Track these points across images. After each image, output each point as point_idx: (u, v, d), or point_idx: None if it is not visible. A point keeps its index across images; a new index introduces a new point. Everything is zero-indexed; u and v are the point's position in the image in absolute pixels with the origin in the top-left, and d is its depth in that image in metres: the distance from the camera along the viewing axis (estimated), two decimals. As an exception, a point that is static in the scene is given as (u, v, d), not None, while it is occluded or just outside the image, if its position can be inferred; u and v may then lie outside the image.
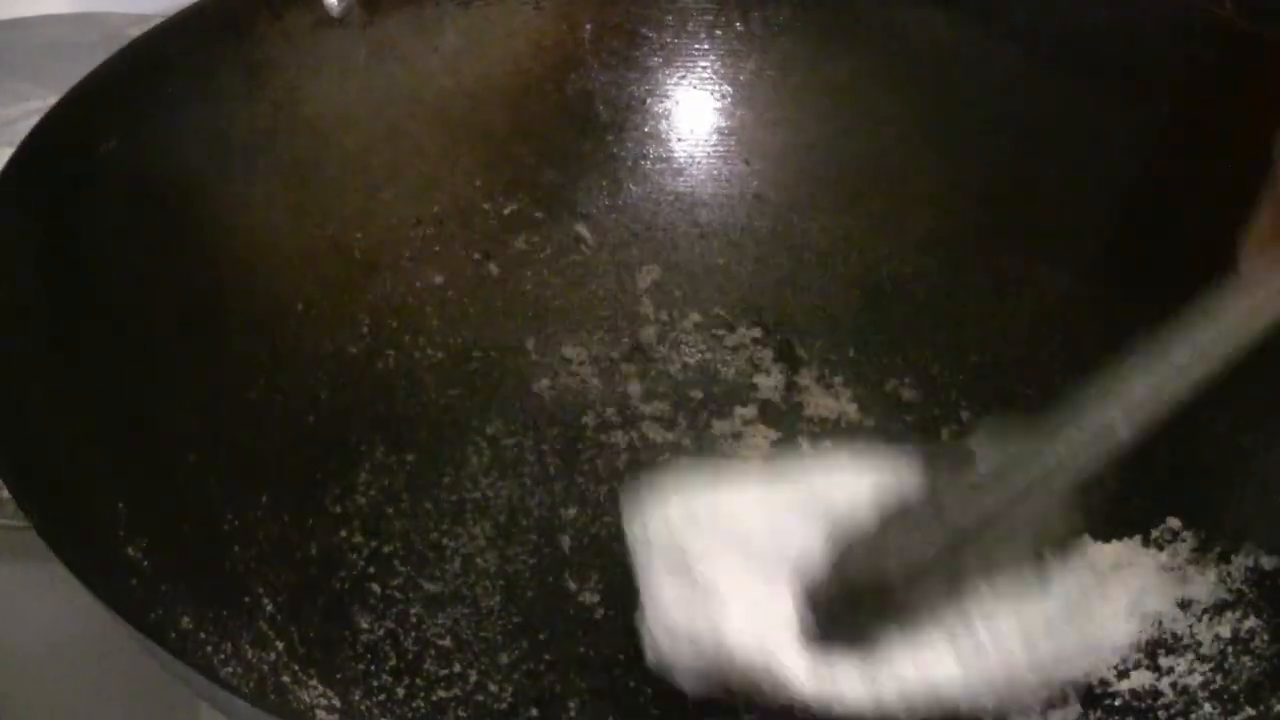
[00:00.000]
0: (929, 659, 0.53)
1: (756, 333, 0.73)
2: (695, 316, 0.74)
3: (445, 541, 0.66)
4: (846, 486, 0.56)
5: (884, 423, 0.71)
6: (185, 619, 0.55)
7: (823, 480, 0.57)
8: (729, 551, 0.55)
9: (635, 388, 0.73)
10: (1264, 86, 0.58)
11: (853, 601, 0.53)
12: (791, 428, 0.71)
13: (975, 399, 0.69)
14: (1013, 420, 0.53)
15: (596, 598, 0.65)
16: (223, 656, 0.56)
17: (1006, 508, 0.52)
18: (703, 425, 0.72)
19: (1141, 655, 0.60)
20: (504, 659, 0.62)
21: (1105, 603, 0.59)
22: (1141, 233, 0.66)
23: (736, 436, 0.71)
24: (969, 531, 0.52)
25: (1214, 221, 0.63)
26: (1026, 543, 0.53)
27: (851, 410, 0.71)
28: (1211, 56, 0.65)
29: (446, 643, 0.62)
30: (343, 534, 0.65)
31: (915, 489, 0.54)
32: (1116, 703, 0.59)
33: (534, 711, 0.60)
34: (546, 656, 0.62)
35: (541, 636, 0.63)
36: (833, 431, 0.71)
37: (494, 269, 0.72)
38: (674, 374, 0.73)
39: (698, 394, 0.72)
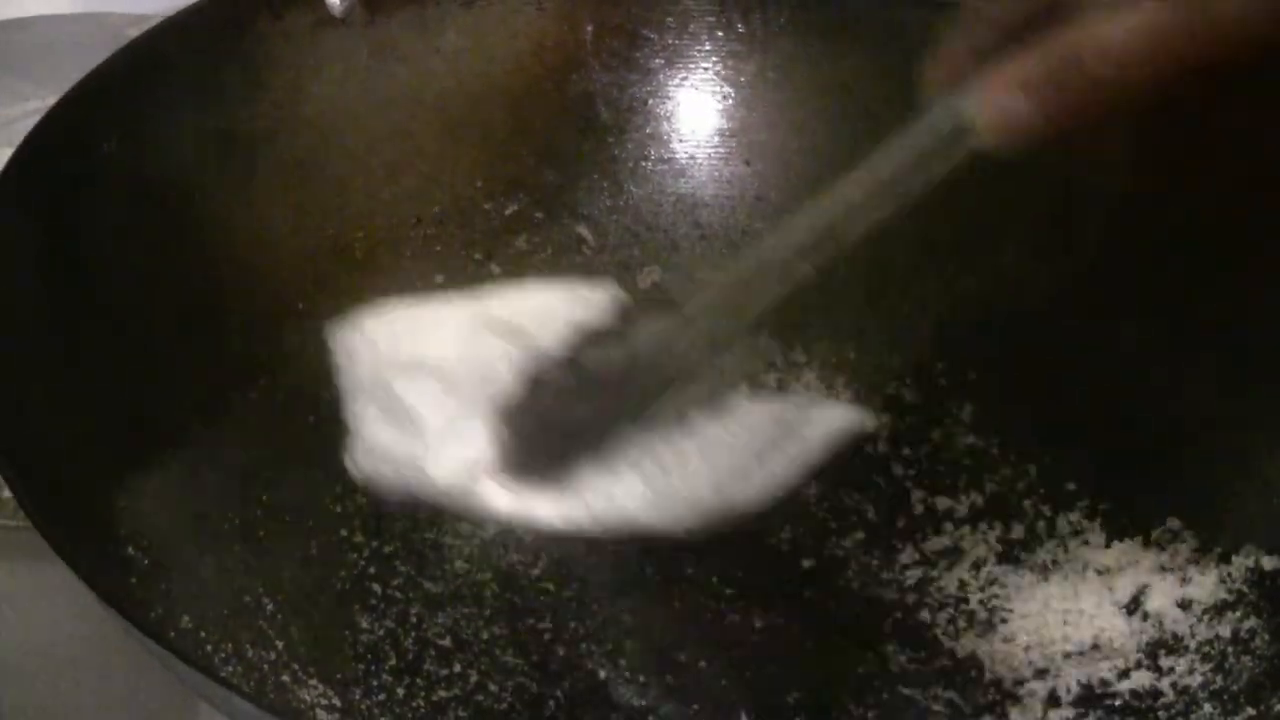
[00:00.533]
0: (620, 485, 0.54)
1: (756, 334, 0.73)
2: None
3: (446, 541, 0.66)
4: (545, 313, 0.56)
5: (885, 424, 0.71)
6: (185, 618, 0.55)
7: (522, 306, 0.57)
8: (429, 376, 0.55)
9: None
10: (1264, 86, 0.58)
11: (545, 429, 0.54)
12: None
13: (977, 400, 0.69)
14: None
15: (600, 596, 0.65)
16: (223, 656, 0.56)
17: (697, 339, 0.54)
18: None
19: (1142, 655, 0.60)
20: (504, 659, 0.62)
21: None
22: (1141, 231, 0.66)
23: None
24: (659, 362, 0.54)
25: (1214, 221, 0.63)
26: (716, 377, 0.55)
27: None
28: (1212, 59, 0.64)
29: (446, 643, 0.62)
30: (343, 533, 0.65)
31: (612, 318, 0.55)
32: (1117, 703, 0.59)
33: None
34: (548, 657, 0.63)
35: (546, 637, 0.63)
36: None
37: (495, 269, 0.72)
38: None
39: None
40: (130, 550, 0.55)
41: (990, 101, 0.52)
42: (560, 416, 0.54)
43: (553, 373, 0.54)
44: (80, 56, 0.65)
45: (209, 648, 0.55)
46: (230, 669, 0.55)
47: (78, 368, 0.58)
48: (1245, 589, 0.60)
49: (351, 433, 0.56)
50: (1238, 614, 0.60)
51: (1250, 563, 0.61)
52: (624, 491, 0.54)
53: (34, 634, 0.63)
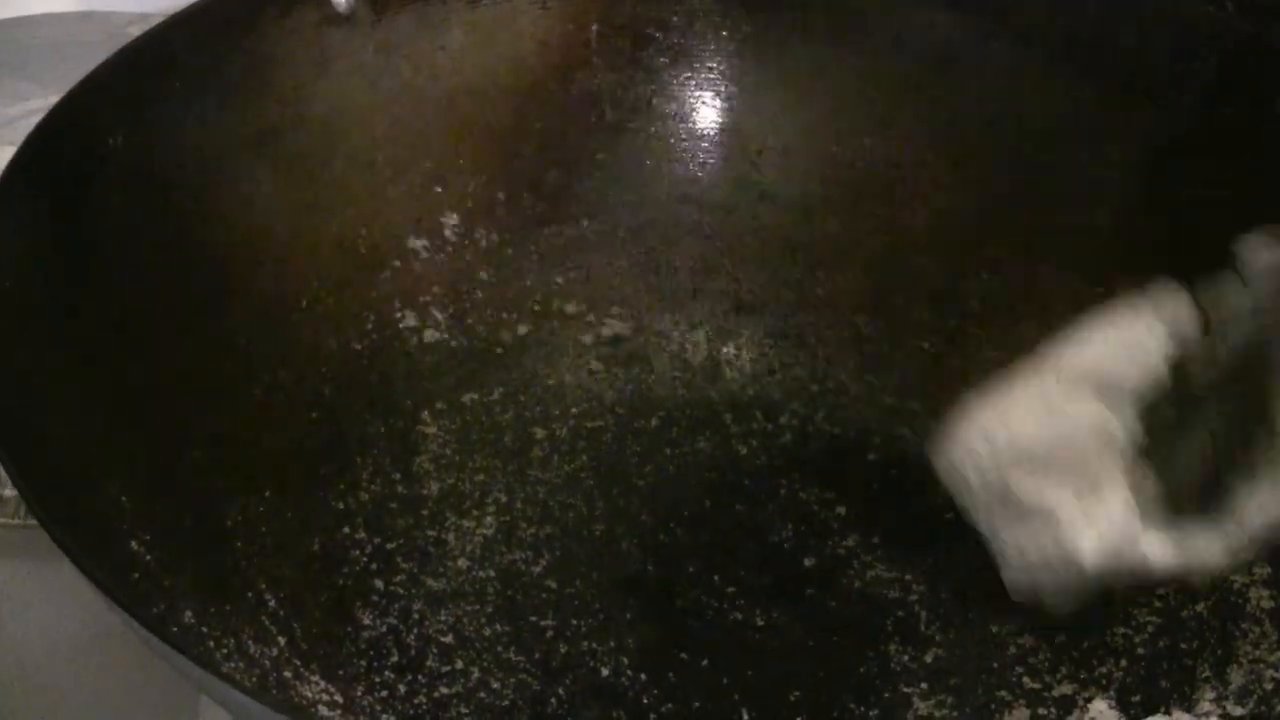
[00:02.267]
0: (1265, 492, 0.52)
1: (762, 333, 0.74)
2: (702, 315, 0.74)
3: (448, 538, 0.66)
4: (1118, 350, 0.55)
5: (885, 424, 0.71)
6: (188, 613, 0.55)
7: (1090, 354, 0.55)
8: (1043, 466, 0.54)
9: (640, 386, 0.73)
10: (1264, 86, 0.58)
11: (1185, 460, 0.53)
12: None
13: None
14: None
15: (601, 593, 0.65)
16: (225, 651, 0.56)
17: None
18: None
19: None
20: (506, 656, 0.62)
21: None
22: (1142, 233, 0.66)
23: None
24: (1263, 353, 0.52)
25: (1213, 221, 0.63)
26: None
27: (859, 413, 0.72)
28: (1211, 56, 0.65)
29: (449, 639, 0.62)
30: (345, 530, 0.65)
31: (1186, 326, 0.54)
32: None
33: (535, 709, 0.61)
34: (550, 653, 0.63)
35: (548, 634, 0.63)
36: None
37: (501, 266, 0.73)
38: (680, 374, 0.73)
39: (706, 394, 0.73)
40: (133, 545, 0.55)
41: None
42: (1194, 442, 0.53)
43: (1167, 400, 0.53)
44: (81, 55, 0.65)
45: (211, 643, 0.55)
46: (232, 664, 0.55)
47: (82, 365, 0.58)
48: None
49: (999, 552, 0.55)
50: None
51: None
52: (1273, 499, 0.52)
53: (34, 633, 0.63)
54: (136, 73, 0.64)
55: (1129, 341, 0.54)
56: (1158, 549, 0.53)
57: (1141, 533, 0.53)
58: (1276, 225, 0.52)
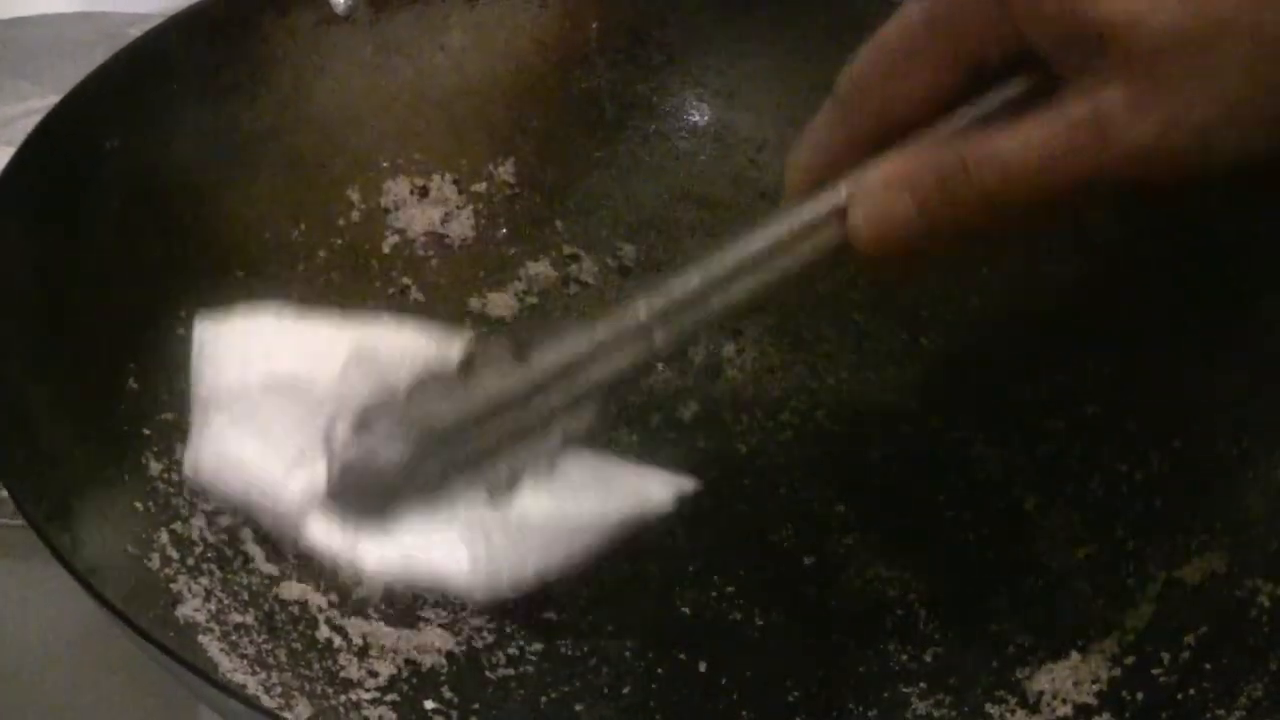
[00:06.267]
0: (441, 542, 0.54)
1: (762, 331, 0.74)
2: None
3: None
4: (404, 351, 0.56)
5: (885, 424, 0.71)
6: (182, 619, 0.55)
7: (391, 340, 0.57)
8: (295, 396, 0.55)
9: (640, 384, 0.73)
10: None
11: (374, 471, 0.54)
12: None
13: (979, 401, 0.69)
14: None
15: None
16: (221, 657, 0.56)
17: (538, 392, 0.54)
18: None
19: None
20: (493, 675, 0.62)
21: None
22: (1142, 232, 0.66)
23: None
24: (498, 409, 0.54)
25: (1213, 221, 0.63)
26: (552, 433, 0.55)
27: (859, 412, 0.71)
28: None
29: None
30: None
31: (456, 361, 0.55)
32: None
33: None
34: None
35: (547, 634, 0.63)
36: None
37: (500, 265, 0.73)
38: (681, 372, 0.73)
39: (706, 392, 0.73)
40: (129, 550, 0.55)
41: (871, 199, 0.50)
42: (389, 461, 0.54)
43: (384, 417, 0.54)
44: (81, 56, 0.65)
45: (207, 650, 0.55)
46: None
47: (79, 367, 0.58)
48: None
49: (197, 435, 0.56)
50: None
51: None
52: (442, 549, 0.54)
53: (34, 634, 0.63)
54: (136, 73, 0.64)
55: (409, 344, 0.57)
56: (315, 532, 0.54)
57: (318, 510, 0.54)
58: None
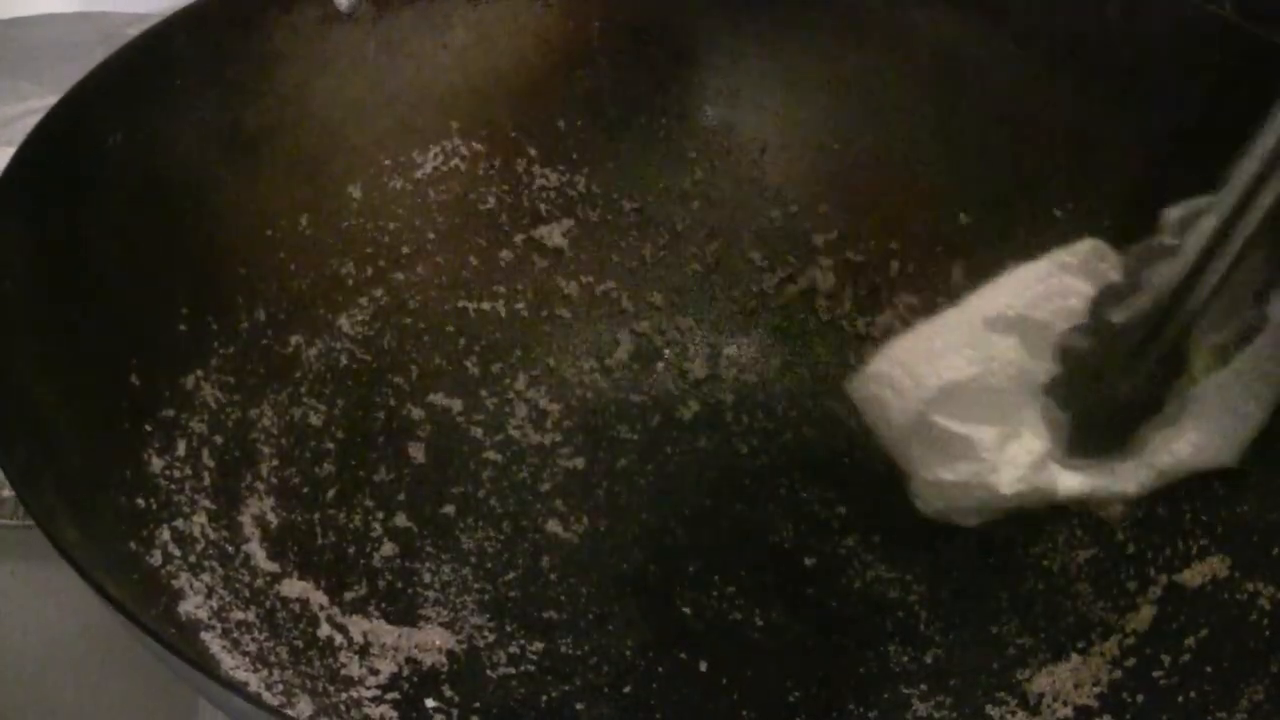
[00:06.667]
0: (1176, 436, 0.57)
1: (764, 332, 0.74)
2: (703, 314, 0.74)
3: (448, 535, 0.66)
4: (1041, 293, 0.58)
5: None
6: (185, 615, 0.55)
7: (1015, 296, 0.58)
8: (965, 398, 0.57)
9: (641, 385, 0.73)
10: (1264, 87, 0.58)
11: (1097, 398, 0.57)
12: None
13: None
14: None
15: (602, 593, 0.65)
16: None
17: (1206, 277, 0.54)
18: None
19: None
20: (493, 674, 0.62)
21: None
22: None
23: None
24: (1178, 303, 0.55)
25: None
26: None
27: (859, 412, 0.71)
28: (1212, 56, 0.64)
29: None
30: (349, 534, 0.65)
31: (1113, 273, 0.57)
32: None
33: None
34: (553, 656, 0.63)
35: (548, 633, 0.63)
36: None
37: (500, 265, 0.73)
38: (682, 373, 0.73)
39: (707, 392, 0.73)
40: (132, 546, 0.55)
41: None
42: (1107, 381, 0.56)
43: (1085, 341, 0.56)
44: (80, 55, 0.65)
45: (209, 647, 0.55)
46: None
47: (81, 366, 0.58)
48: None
49: (913, 475, 0.59)
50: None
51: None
52: (1182, 441, 0.57)
53: (34, 634, 0.63)
54: (136, 73, 0.64)
55: (1052, 288, 0.58)
56: (1068, 482, 0.58)
57: (1054, 468, 0.58)
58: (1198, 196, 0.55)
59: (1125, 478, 0.58)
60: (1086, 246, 0.58)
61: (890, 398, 0.58)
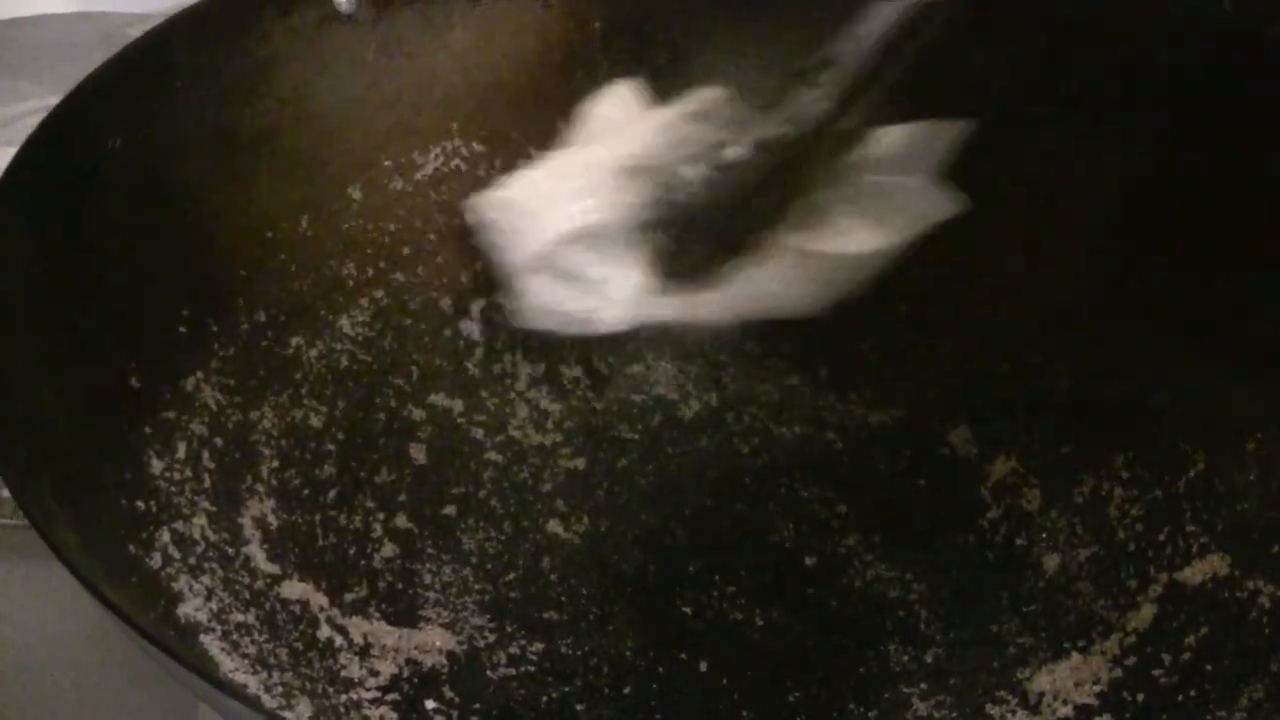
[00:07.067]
0: (762, 272, 0.60)
1: (765, 332, 0.73)
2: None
3: (448, 535, 0.66)
4: (665, 140, 0.61)
5: (886, 424, 0.71)
6: (184, 619, 0.55)
7: (642, 143, 0.62)
8: (585, 241, 0.60)
9: (641, 385, 0.73)
10: (1264, 87, 0.58)
11: (692, 232, 0.60)
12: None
13: (980, 402, 0.69)
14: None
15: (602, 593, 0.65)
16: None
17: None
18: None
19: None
20: (494, 675, 0.62)
21: None
22: (1142, 232, 0.66)
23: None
24: (782, 156, 0.59)
25: (1213, 220, 0.63)
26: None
27: (859, 412, 0.72)
28: (1212, 56, 0.64)
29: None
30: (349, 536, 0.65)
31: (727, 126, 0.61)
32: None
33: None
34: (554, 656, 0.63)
35: (549, 633, 0.63)
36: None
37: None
38: (681, 374, 0.73)
39: (707, 392, 0.73)
40: (131, 549, 0.55)
41: None
42: (703, 219, 0.59)
43: (695, 181, 0.59)
44: (81, 56, 0.65)
45: (208, 649, 0.55)
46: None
47: (80, 367, 0.58)
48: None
49: (519, 294, 0.61)
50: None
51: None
52: (766, 277, 0.59)
53: (34, 634, 0.63)
54: (136, 73, 0.64)
55: (677, 135, 0.61)
56: (662, 312, 0.60)
57: (653, 300, 0.60)
58: None
59: (710, 309, 0.60)
60: (713, 94, 0.62)
61: (509, 233, 0.60)
